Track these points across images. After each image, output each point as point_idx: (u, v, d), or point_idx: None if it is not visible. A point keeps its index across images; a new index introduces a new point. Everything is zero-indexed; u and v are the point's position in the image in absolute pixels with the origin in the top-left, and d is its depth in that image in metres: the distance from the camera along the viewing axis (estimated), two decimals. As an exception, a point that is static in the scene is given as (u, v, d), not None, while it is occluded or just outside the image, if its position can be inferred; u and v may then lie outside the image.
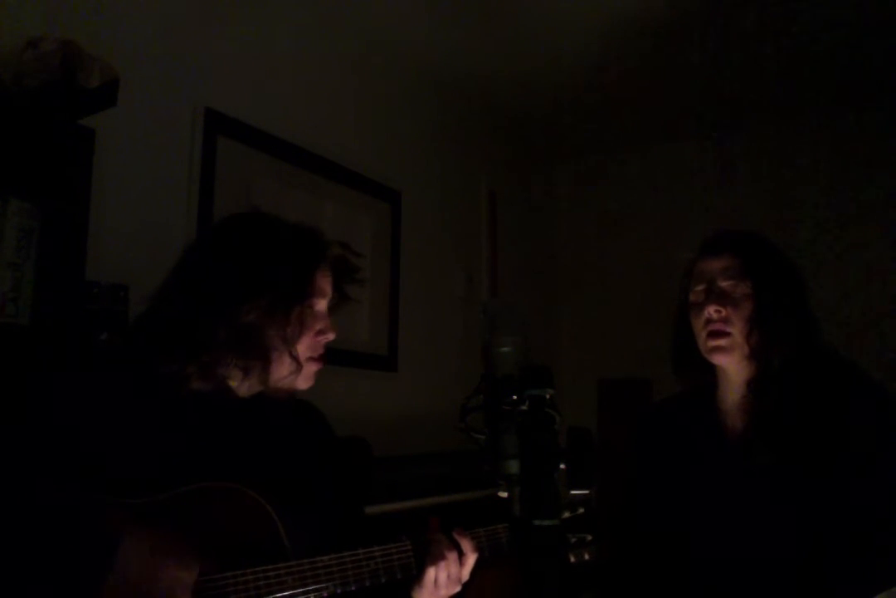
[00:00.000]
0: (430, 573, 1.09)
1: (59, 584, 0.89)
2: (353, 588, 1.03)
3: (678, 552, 1.36)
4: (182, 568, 0.91)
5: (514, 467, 1.04)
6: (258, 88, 2.37)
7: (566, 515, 1.12)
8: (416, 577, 1.10)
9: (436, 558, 1.10)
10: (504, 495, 1.07)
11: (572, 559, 1.10)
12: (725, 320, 1.32)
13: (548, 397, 1.05)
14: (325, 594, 1.00)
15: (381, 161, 2.86)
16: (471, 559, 1.13)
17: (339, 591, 1.01)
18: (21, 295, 1.42)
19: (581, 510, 1.13)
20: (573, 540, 1.11)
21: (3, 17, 1.68)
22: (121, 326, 1.71)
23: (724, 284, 1.33)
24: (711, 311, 1.32)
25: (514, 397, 1.05)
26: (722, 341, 1.32)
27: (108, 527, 0.92)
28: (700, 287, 1.37)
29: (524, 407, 1.05)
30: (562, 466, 1.05)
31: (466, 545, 1.13)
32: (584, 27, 2.80)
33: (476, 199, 3.50)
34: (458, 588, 1.14)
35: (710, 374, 1.41)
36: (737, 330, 1.31)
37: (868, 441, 1.24)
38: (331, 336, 1.17)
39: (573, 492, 1.07)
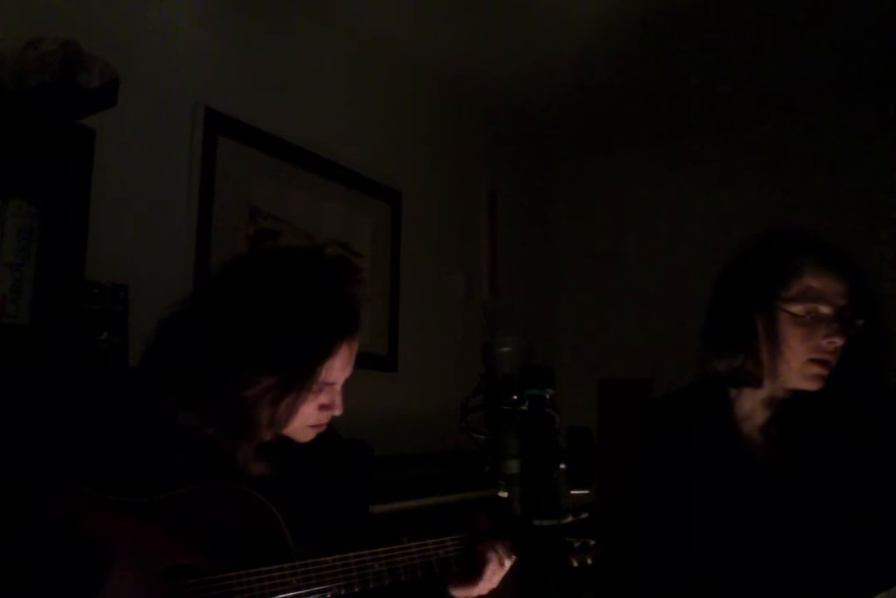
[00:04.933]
0: (490, 567, 1.10)
1: (56, 583, 0.89)
2: (356, 590, 1.03)
3: (683, 553, 1.34)
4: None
5: (514, 467, 1.04)
6: (258, 88, 2.37)
7: (569, 519, 1.10)
8: (462, 575, 1.11)
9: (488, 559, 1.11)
10: (504, 495, 1.07)
11: (575, 564, 1.08)
12: (835, 352, 1.24)
13: (548, 397, 1.05)
14: (329, 595, 1.01)
15: (381, 161, 2.86)
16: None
17: (343, 592, 1.01)
18: (21, 295, 1.42)
19: (585, 515, 1.12)
20: (576, 545, 1.09)
21: (3, 17, 1.69)
22: (121, 326, 1.71)
23: (848, 314, 1.23)
24: (836, 340, 1.23)
25: (514, 397, 1.05)
26: (827, 371, 1.25)
27: (106, 525, 0.92)
28: (822, 309, 1.24)
29: (524, 407, 1.05)
30: (562, 466, 1.05)
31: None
32: (584, 27, 2.80)
33: (476, 199, 3.50)
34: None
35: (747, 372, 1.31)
36: (834, 361, 1.25)
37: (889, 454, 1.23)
38: (336, 413, 1.11)
39: (573, 492, 1.06)
